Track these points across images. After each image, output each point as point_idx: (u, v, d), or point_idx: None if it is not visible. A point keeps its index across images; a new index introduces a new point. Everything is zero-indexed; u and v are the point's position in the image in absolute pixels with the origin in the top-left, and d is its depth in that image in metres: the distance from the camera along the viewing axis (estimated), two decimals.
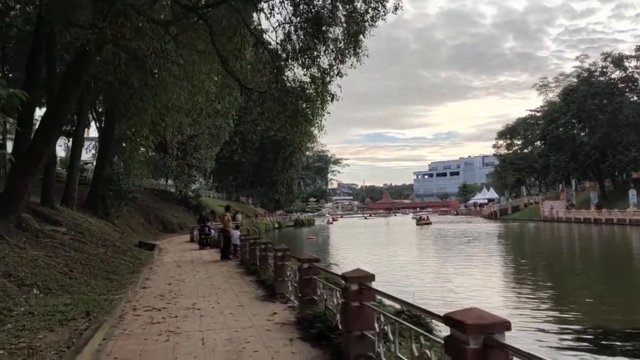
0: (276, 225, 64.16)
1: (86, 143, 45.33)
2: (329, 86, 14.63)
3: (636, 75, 63.69)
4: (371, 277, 5.09)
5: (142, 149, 34.98)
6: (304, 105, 15.65)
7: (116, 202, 29.58)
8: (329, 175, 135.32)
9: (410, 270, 21.90)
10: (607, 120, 61.44)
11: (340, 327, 5.77)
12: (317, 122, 16.49)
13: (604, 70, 65.43)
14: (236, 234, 17.84)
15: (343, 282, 5.81)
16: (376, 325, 4.77)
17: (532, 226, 58.83)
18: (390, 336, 4.39)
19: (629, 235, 40.47)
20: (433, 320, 5.77)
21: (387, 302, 5.99)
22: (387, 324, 4.49)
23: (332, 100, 14.72)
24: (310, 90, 15.02)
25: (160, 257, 19.08)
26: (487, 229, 54.07)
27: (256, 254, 13.05)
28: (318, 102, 15.11)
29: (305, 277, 7.24)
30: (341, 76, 14.31)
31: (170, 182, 52.99)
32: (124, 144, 30.45)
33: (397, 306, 6.25)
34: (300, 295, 7.54)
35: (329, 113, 15.83)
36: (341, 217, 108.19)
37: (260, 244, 12.07)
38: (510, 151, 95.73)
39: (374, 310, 4.92)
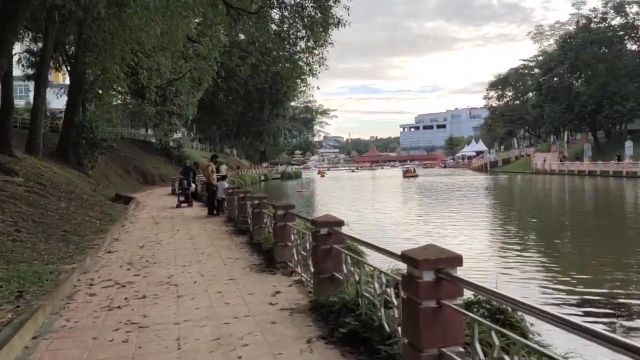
0: (262, 178, 62.05)
1: (59, 90, 42.27)
2: (332, 10, 12.12)
3: (637, 23, 61.31)
4: (457, 261, 3.02)
5: (117, 93, 32.24)
6: (304, 32, 13.17)
7: (90, 151, 27.10)
8: (316, 127, 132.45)
9: (411, 228, 20.13)
10: (606, 69, 59.50)
11: (386, 329, 3.77)
12: (318, 54, 14.08)
13: (604, 16, 62.87)
14: (222, 185, 15.70)
15: (389, 258, 3.82)
16: (477, 343, 2.73)
17: (526, 179, 57.47)
18: None
19: (629, 187, 39.17)
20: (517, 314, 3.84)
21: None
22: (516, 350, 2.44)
23: (337, 25, 12.29)
24: (310, 10, 12.46)
25: (136, 212, 16.95)
26: (480, 182, 52.57)
27: (247, 210, 10.97)
28: (320, 29, 12.59)
29: (322, 246, 5.17)
30: None
31: (150, 131, 50.22)
32: (100, 91, 27.74)
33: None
34: (314, 269, 5.50)
35: (332, 44, 13.39)
36: (328, 170, 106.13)
37: (252, 199, 9.96)
38: (502, 102, 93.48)
39: (467, 317, 2.88)
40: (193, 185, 19.74)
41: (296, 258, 6.85)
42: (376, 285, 4.05)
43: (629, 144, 53.15)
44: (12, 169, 14.69)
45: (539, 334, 3.80)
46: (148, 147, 46.86)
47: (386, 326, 3.80)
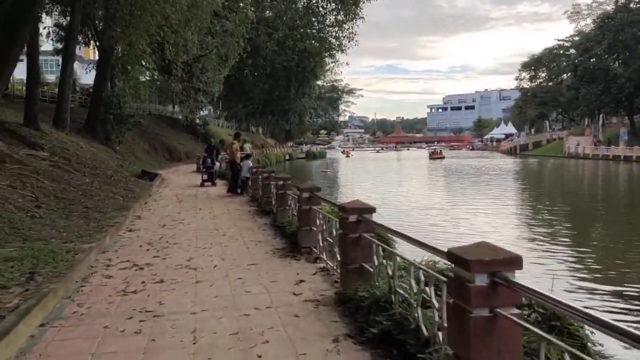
0: (287, 157, 61.96)
1: (88, 66, 42.47)
2: None
3: None
4: (516, 263, 2.56)
5: (144, 69, 32.12)
6: (334, 5, 12.55)
7: (117, 126, 27.04)
8: (342, 107, 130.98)
9: (439, 213, 19.58)
10: None
11: (424, 332, 3.34)
12: (347, 29, 13.47)
13: None
14: (247, 164, 15.33)
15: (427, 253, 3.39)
16: None
17: (557, 163, 55.85)
18: None
19: None
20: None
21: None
22: None
23: None
24: None
25: (160, 190, 16.79)
26: (509, 166, 51.30)
27: (271, 190, 10.61)
28: (351, 1, 11.96)
29: (351, 234, 4.74)
30: None
31: (177, 108, 50.29)
32: (127, 67, 27.59)
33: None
34: (341, 259, 5.10)
35: (362, 18, 12.76)
36: (352, 150, 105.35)
37: (277, 179, 9.57)
38: (534, 84, 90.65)
39: (530, 331, 2.43)
40: (217, 164, 19.46)
41: (321, 244, 6.44)
42: (412, 282, 3.62)
43: None
44: (37, 143, 14.63)
45: (600, 344, 3.33)
46: (175, 123, 46.93)
47: (424, 329, 3.37)
